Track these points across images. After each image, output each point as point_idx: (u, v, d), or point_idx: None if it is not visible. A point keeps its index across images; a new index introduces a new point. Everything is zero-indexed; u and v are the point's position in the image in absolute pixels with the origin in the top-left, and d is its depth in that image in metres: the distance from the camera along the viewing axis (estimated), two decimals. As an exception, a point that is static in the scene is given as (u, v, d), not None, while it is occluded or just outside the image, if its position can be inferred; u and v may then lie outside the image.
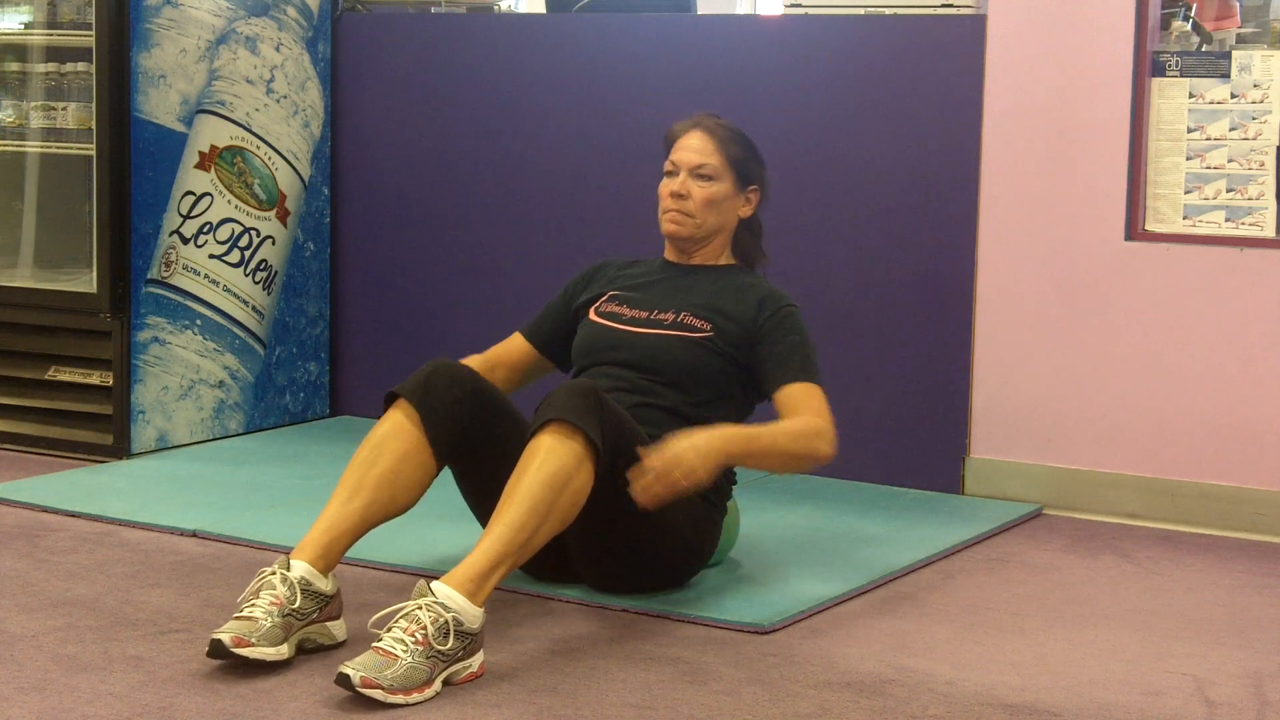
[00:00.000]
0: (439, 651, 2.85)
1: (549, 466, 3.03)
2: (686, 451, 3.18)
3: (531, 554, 3.05)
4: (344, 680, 2.78)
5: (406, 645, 2.83)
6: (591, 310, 3.64)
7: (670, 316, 3.54)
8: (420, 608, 2.88)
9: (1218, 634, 3.34)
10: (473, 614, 2.91)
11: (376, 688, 2.77)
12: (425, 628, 2.85)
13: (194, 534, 3.87)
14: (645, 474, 3.16)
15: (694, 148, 3.58)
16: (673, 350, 3.49)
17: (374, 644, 2.86)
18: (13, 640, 3.10)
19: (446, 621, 2.87)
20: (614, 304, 3.62)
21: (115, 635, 3.14)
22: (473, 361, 3.61)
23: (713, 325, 3.51)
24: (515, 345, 3.72)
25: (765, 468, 3.41)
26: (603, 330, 3.58)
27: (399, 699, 2.79)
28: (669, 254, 3.68)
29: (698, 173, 3.56)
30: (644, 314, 3.57)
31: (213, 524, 3.90)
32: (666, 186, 3.59)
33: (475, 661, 2.94)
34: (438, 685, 2.86)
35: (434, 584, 2.93)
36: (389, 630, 2.87)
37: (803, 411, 3.39)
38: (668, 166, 3.61)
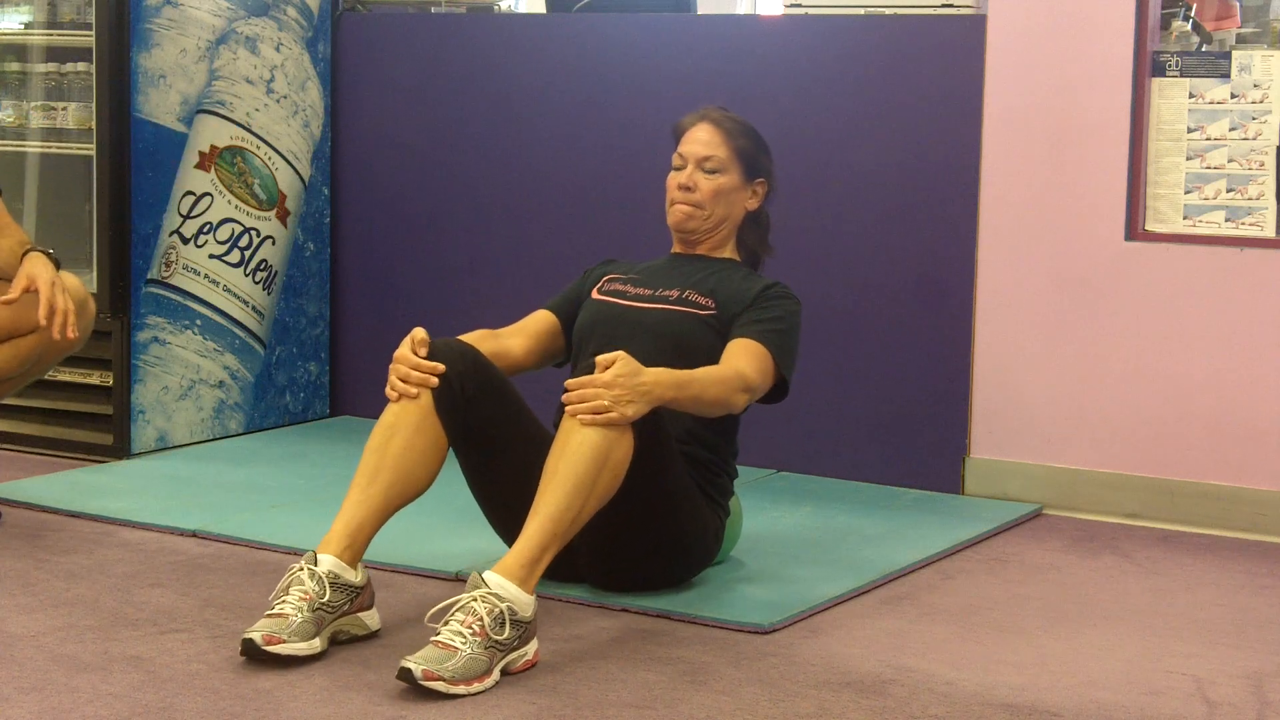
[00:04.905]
0: (496, 641, 2.90)
1: (589, 444, 3.05)
2: (647, 376, 3.13)
3: (576, 533, 3.08)
4: (406, 674, 2.82)
5: (465, 637, 2.87)
6: (595, 291, 3.66)
7: (675, 293, 3.56)
8: (475, 599, 2.92)
9: (1218, 634, 3.34)
10: (525, 601, 2.96)
11: (439, 680, 2.81)
12: (482, 619, 2.89)
13: (194, 534, 3.87)
14: (593, 381, 3.08)
15: (701, 140, 3.60)
16: (676, 323, 3.50)
17: (432, 638, 2.89)
18: (13, 640, 3.10)
19: (502, 611, 2.91)
20: (617, 284, 3.64)
21: (115, 635, 3.14)
22: (482, 333, 3.55)
23: (716, 302, 3.52)
24: (539, 317, 3.68)
25: (687, 411, 3.30)
26: (606, 306, 3.60)
27: (461, 689, 2.83)
28: (675, 247, 3.71)
29: (704, 165, 3.58)
30: (648, 291, 3.59)
31: (213, 524, 3.90)
32: (674, 179, 3.62)
33: (530, 649, 2.99)
34: (496, 674, 2.90)
35: (486, 574, 2.96)
36: (446, 624, 2.91)
37: (738, 360, 3.37)
38: (675, 160, 3.63)
